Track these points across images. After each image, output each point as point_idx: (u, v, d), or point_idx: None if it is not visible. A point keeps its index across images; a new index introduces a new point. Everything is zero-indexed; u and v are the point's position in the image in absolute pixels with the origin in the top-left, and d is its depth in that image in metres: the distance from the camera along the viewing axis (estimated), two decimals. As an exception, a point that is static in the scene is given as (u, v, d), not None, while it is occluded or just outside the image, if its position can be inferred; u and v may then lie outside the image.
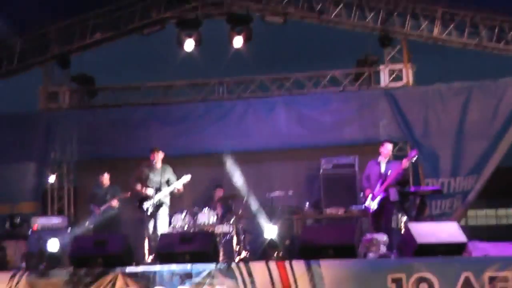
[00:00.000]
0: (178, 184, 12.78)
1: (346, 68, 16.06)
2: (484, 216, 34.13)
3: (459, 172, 14.37)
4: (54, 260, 11.10)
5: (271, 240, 12.24)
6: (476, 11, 14.66)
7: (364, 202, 12.42)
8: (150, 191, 12.57)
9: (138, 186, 12.79)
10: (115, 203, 13.66)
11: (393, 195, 12.23)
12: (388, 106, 14.94)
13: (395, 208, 12.41)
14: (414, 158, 12.50)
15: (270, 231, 12.44)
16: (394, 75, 15.46)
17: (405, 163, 12.25)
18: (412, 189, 13.30)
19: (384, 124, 14.91)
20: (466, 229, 11.29)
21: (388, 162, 12.42)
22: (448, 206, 14.25)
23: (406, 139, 14.90)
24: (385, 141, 12.74)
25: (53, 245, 11.68)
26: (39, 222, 13.54)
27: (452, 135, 14.53)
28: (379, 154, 12.52)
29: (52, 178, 16.04)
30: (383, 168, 12.31)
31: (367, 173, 12.55)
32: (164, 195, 12.69)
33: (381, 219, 12.19)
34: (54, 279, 9.32)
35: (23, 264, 11.85)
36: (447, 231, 10.16)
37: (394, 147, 14.48)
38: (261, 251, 13.15)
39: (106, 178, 13.98)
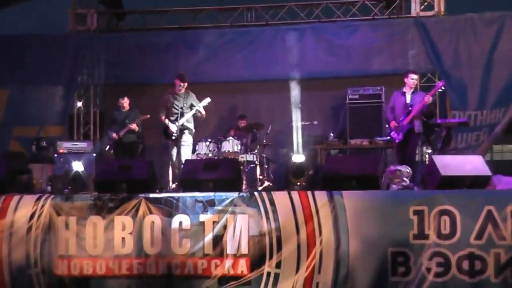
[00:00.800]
0: (200, 106, 12.76)
1: (377, -5, 15.77)
2: (510, 151, 33.84)
3: (486, 105, 14.16)
4: (79, 184, 11.23)
5: (297, 168, 12.33)
6: None
7: (389, 133, 12.37)
8: (171, 126, 12.59)
9: (162, 117, 12.81)
10: (134, 126, 13.61)
11: (418, 126, 12.16)
12: (418, 35, 14.69)
13: (419, 140, 12.34)
14: (440, 90, 12.37)
15: (296, 159, 12.52)
16: (425, 4, 15.16)
17: (431, 94, 12.14)
18: (438, 121, 13.20)
19: (413, 54, 14.69)
20: (491, 163, 11.23)
21: (413, 93, 12.32)
22: (474, 139, 14.11)
23: (435, 69, 14.70)
24: (410, 72, 12.59)
25: (77, 166, 11.80)
26: (64, 146, 13.65)
27: (481, 66, 14.27)
28: (404, 84, 12.42)
29: (79, 102, 16.09)
30: (408, 99, 12.21)
31: (391, 104, 12.45)
32: (186, 120, 12.69)
33: (405, 150, 12.15)
34: (79, 203, 9.37)
35: (49, 188, 12.04)
36: (471, 164, 10.06)
37: (422, 78, 14.39)
38: (285, 179, 13.26)
39: (126, 102, 13.92)
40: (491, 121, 14.13)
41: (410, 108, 12.12)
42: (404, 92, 12.36)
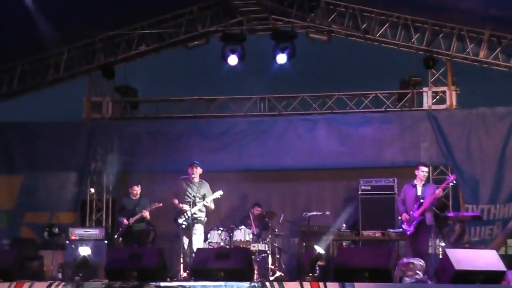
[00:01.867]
0: (210, 199, 12.76)
1: (389, 88, 15.93)
2: (525, 246, 33.65)
3: (499, 199, 14.13)
4: (87, 269, 11.15)
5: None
6: (523, 35, 14.48)
7: (401, 226, 12.33)
8: (186, 207, 12.59)
9: (175, 201, 12.81)
10: (147, 214, 13.56)
11: (429, 219, 12.15)
12: (430, 128, 14.80)
13: (432, 232, 12.27)
14: (451, 183, 12.40)
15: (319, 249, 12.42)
16: (437, 97, 15.31)
17: (442, 188, 12.16)
18: (452, 214, 13.17)
19: (426, 146, 14.77)
20: (506, 258, 11.12)
21: (424, 185, 12.34)
22: (487, 233, 14.01)
23: (447, 163, 14.72)
24: (420, 164, 12.65)
25: (85, 251, 11.74)
26: (76, 233, 13.63)
27: (494, 161, 14.31)
28: (415, 176, 12.45)
29: (92, 189, 16.13)
30: (419, 191, 12.23)
31: (402, 196, 12.47)
32: (198, 210, 12.69)
33: (416, 243, 12.09)
34: (89, 290, 9.33)
35: (60, 275, 11.97)
36: (485, 259, 10.02)
37: (434, 171, 14.43)
38: (296, 270, 13.16)
39: (137, 190, 13.93)
40: (505, 216, 14.04)
41: (421, 201, 12.12)
42: (415, 184, 12.39)
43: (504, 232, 14.05)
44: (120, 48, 16.20)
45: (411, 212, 12.16)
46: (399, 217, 12.73)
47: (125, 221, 13.57)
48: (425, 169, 12.54)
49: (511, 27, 14.30)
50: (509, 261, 10.76)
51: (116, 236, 13.74)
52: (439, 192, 12.15)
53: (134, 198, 13.91)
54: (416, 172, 12.48)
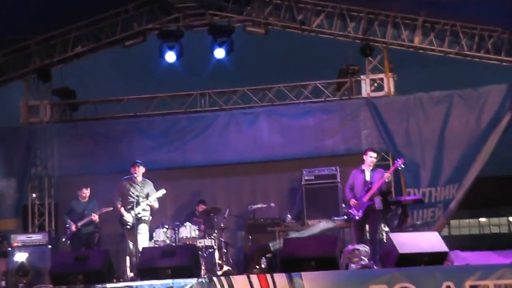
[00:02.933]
0: (153, 198, 12.69)
1: (328, 78, 16.03)
2: (467, 226, 34.24)
3: (439, 181, 14.38)
4: (31, 276, 11.00)
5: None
6: (456, 20, 14.67)
7: (348, 212, 12.40)
8: (126, 214, 12.50)
9: (118, 205, 12.72)
10: (95, 217, 13.47)
11: (378, 203, 12.26)
12: (369, 116, 14.95)
13: (379, 217, 12.39)
14: (400, 168, 12.53)
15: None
16: (375, 85, 15.47)
17: (390, 172, 12.29)
18: (394, 198, 13.32)
19: (366, 134, 14.92)
20: (449, 239, 11.33)
21: (372, 171, 12.43)
22: (430, 215, 14.24)
23: (388, 149, 14.89)
24: (368, 149, 12.75)
25: (20, 256, 11.56)
26: (19, 239, 13.40)
27: (433, 144, 14.55)
28: (362, 162, 12.54)
29: (33, 194, 15.90)
30: (367, 177, 12.32)
31: (350, 182, 12.53)
32: (142, 209, 12.61)
33: (364, 228, 12.19)
34: (34, 296, 9.22)
35: (3, 283, 11.77)
36: (428, 241, 10.19)
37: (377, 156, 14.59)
38: (244, 263, 13.18)
39: (85, 193, 13.83)
40: (445, 197, 14.30)
41: (370, 186, 12.21)
42: (363, 170, 12.47)
43: (445, 214, 14.30)
44: (56, 50, 16.02)
45: (360, 198, 12.25)
46: (343, 205, 12.82)
47: (73, 227, 13.43)
48: (374, 154, 12.62)
49: (443, 12, 14.54)
50: (452, 242, 10.96)
51: (64, 239, 13.58)
52: (387, 176, 12.25)
53: (83, 200, 13.80)
54: (365, 158, 12.57)
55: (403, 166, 12.60)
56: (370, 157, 12.52)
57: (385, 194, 12.51)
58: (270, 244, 12.58)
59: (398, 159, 12.67)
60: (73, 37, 15.95)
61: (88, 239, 13.63)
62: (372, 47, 15.26)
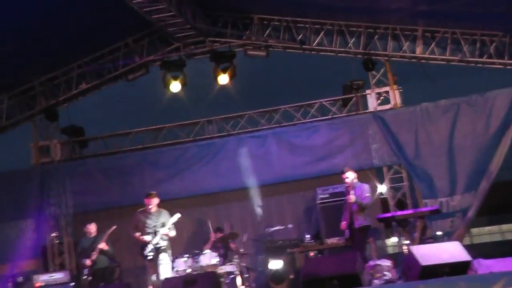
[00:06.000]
0: (168, 225, 12.63)
1: (333, 95, 16.10)
2: (488, 233, 33.93)
3: (456, 190, 14.35)
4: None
5: (275, 274, 12.27)
6: (455, 27, 14.70)
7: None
8: (147, 237, 12.47)
9: (136, 234, 12.69)
10: (103, 245, 13.39)
11: (358, 221, 12.27)
12: (378, 130, 14.97)
13: (364, 234, 12.36)
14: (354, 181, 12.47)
15: (274, 265, 12.51)
16: (381, 98, 15.53)
17: (351, 194, 12.26)
18: (410, 211, 13.27)
19: (376, 148, 14.93)
20: (472, 247, 11.27)
21: (358, 188, 12.42)
22: (449, 225, 14.18)
23: (399, 161, 14.91)
24: (342, 170, 12.73)
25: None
26: (41, 279, 13.41)
27: (444, 153, 14.54)
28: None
29: (52, 234, 15.92)
30: (350, 196, 12.33)
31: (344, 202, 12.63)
32: (161, 239, 12.57)
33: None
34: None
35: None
36: (450, 251, 10.14)
37: (388, 170, 14.68)
38: (266, 287, 13.15)
39: (92, 228, 13.77)
40: (463, 206, 14.26)
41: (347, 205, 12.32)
42: (348, 190, 12.49)
43: (464, 223, 14.24)
44: (60, 89, 16.14)
45: (344, 217, 12.39)
46: None
47: (88, 262, 13.39)
48: (344, 176, 12.57)
49: (442, 20, 14.59)
50: (475, 250, 10.91)
51: (84, 277, 13.54)
52: (349, 198, 12.27)
53: (90, 236, 13.76)
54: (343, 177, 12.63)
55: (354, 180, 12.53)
56: (344, 178, 12.54)
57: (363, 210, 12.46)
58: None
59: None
60: (76, 75, 16.10)
61: (104, 273, 13.57)
62: (374, 61, 15.35)
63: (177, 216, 12.70)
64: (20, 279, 13.86)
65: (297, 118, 15.87)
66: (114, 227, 13.34)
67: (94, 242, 13.57)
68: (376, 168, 14.90)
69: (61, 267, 15.48)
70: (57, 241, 15.88)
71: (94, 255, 13.38)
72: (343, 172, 12.59)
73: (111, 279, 13.67)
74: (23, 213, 15.45)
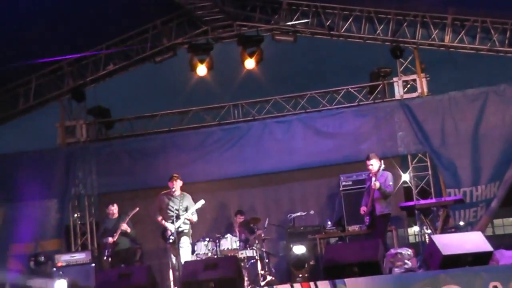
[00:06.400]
0: (192, 211, 12.66)
1: (360, 82, 16.01)
2: (511, 224, 33.68)
3: (480, 180, 14.22)
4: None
5: (298, 259, 12.26)
6: (486, 16, 14.54)
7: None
8: (169, 225, 12.49)
9: (159, 218, 12.74)
10: (125, 226, 13.45)
11: (378, 209, 12.18)
12: (404, 118, 14.88)
13: (385, 222, 12.26)
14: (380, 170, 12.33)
15: (298, 250, 12.49)
16: (408, 86, 15.39)
17: (377, 180, 12.12)
18: (433, 200, 13.19)
19: (402, 136, 14.85)
20: (494, 238, 11.19)
21: (380, 175, 12.32)
22: (472, 215, 14.09)
23: (425, 150, 14.81)
24: (366, 158, 12.60)
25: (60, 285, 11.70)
26: (63, 259, 13.53)
27: (470, 142, 14.42)
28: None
29: (74, 213, 16.06)
30: (373, 182, 12.24)
31: (364, 190, 12.55)
32: (183, 223, 12.61)
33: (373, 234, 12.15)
34: (80, 316, 9.29)
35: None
36: (471, 241, 10.06)
37: (413, 159, 14.55)
38: (286, 272, 13.17)
39: (113, 210, 13.84)
40: (487, 196, 14.14)
41: (369, 192, 12.25)
42: (371, 177, 12.42)
43: (488, 213, 14.13)
44: (88, 70, 16.21)
45: (365, 204, 12.31)
46: None
47: (110, 239, 13.47)
48: (368, 162, 12.44)
49: (472, 8, 14.43)
50: (497, 241, 10.84)
51: (105, 258, 13.63)
52: (373, 185, 12.13)
53: (113, 218, 13.83)
54: (367, 164, 12.53)
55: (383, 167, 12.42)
56: (369, 165, 12.42)
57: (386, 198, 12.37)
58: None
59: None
60: (104, 56, 16.12)
61: (126, 255, 13.63)
62: (403, 48, 15.21)
63: (201, 202, 12.72)
64: (42, 258, 13.96)
65: (323, 104, 15.78)
66: (137, 209, 13.41)
67: (116, 223, 13.64)
68: (401, 156, 14.80)
69: (83, 248, 15.62)
70: (80, 222, 16.04)
71: (116, 236, 13.46)
72: (368, 158, 12.50)
73: (132, 261, 13.75)
74: (48, 193, 15.58)
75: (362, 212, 12.26)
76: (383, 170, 12.31)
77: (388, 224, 12.49)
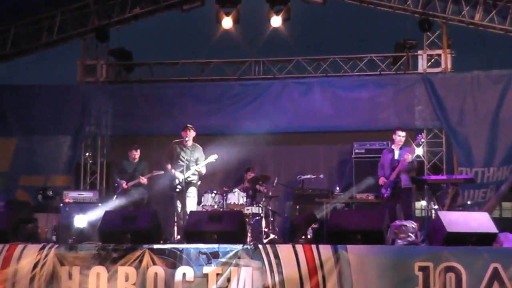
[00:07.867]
0: (203, 164, 12.70)
1: (384, 51, 15.89)
2: (519, 208, 33.57)
3: (493, 162, 14.17)
4: (83, 234, 11.19)
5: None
6: (520, -3, 14.39)
7: (380, 191, 12.37)
8: (178, 174, 12.53)
9: (168, 166, 12.77)
10: (145, 180, 13.52)
11: (404, 181, 12.17)
12: (424, 91, 14.80)
13: (411, 194, 12.28)
14: (421, 143, 12.34)
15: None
16: (432, 61, 15.28)
17: (410, 152, 12.09)
18: (444, 177, 13.16)
19: (420, 109, 14.79)
20: (500, 221, 11.14)
21: (401, 149, 12.32)
22: (481, 196, 14.06)
23: (441, 126, 14.76)
24: (397, 129, 12.62)
25: (80, 221, 11.77)
26: (71, 196, 13.61)
27: (488, 124, 14.34)
28: (393, 141, 12.47)
29: (86, 152, 16.13)
30: (396, 155, 12.26)
31: (381, 161, 12.58)
32: (192, 173, 12.65)
33: (394, 206, 12.11)
34: (82, 253, 9.35)
35: (53, 237, 11.99)
36: (477, 221, 10.03)
37: (428, 134, 14.47)
38: (289, 233, 13.20)
39: (135, 154, 13.84)
40: (498, 178, 14.10)
41: (396, 164, 12.17)
42: (393, 149, 12.42)
43: (497, 195, 14.10)
44: (114, 11, 16.15)
45: (387, 176, 12.24)
46: None
47: (124, 184, 13.53)
48: (402, 133, 12.47)
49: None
50: (503, 223, 10.79)
51: (114, 198, 13.71)
52: (407, 157, 12.11)
53: (133, 161, 13.86)
54: (394, 137, 12.51)
55: (423, 141, 12.43)
56: (399, 136, 12.42)
57: (409, 171, 12.36)
58: (316, 214, 12.61)
59: (419, 136, 12.51)
60: (131, -1, 16.06)
61: (138, 199, 13.70)
62: (431, 22, 15.08)
63: (214, 157, 12.72)
64: (50, 192, 14.04)
65: (345, 70, 15.72)
66: (162, 172, 13.31)
67: (135, 169, 13.70)
68: (416, 130, 14.72)
69: (91, 187, 15.76)
70: (91, 161, 16.13)
71: (132, 183, 13.51)
72: (401, 130, 12.50)
73: (140, 205, 13.81)
74: (62, 128, 15.66)
75: (381, 182, 12.25)
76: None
77: (413, 196, 12.50)
